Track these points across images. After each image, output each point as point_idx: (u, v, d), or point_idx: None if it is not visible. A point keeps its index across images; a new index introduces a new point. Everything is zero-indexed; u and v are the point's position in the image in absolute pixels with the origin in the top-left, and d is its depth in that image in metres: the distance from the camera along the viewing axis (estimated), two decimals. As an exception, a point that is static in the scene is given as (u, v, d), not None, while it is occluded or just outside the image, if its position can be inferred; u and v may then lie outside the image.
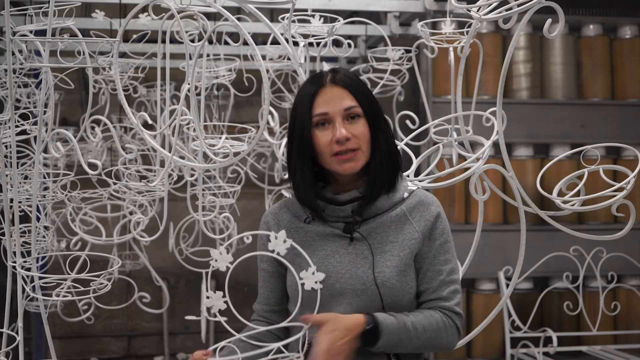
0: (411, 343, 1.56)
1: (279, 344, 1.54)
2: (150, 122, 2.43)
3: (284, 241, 1.55)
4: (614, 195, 1.74)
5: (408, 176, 1.94)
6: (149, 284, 4.19)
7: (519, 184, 1.86)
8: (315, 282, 1.58)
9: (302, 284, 1.58)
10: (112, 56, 1.80)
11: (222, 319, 1.54)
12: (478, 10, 1.74)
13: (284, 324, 1.60)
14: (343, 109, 1.61)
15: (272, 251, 1.55)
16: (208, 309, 1.46)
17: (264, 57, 2.99)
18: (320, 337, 1.50)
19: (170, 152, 1.93)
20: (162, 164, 2.77)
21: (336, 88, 1.63)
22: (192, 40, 2.64)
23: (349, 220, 1.64)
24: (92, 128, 2.79)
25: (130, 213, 2.92)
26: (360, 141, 1.61)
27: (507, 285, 4.02)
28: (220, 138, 2.30)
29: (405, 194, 1.68)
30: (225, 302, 1.52)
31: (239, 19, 1.93)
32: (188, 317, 3.37)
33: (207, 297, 1.52)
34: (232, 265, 1.52)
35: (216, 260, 1.51)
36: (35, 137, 1.93)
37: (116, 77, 1.83)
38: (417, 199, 1.68)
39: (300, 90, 1.69)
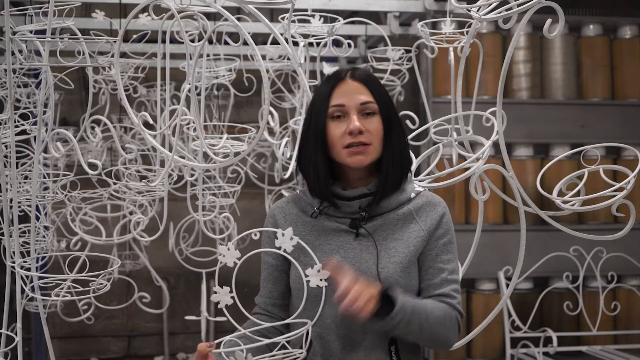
0: (420, 324, 1.55)
1: (283, 338, 1.55)
2: (150, 122, 2.42)
3: (291, 238, 1.57)
4: (614, 195, 1.74)
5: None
6: (149, 284, 4.18)
7: (519, 184, 1.86)
8: (321, 280, 1.59)
9: (308, 281, 1.60)
10: (112, 56, 1.80)
11: (228, 316, 1.55)
12: (478, 10, 1.74)
13: (289, 320, 1.61)
14: (359, 102, 1.64)
15: (278, 248, 1.57)
16: (212, 304, 1.47)
17: (264, 57, 2.99)
18: (347, 279, 1.49)
19: (170, 152, 1.93)
20: (162, 164, 2.77)
21: (355, 82, 1.66)
22: (192, 40, 2.64)
23: (355, 216, 1.66)
24: (92, 128, 2.79)
25: (130, 213, 2.92)
26: (373, 137, 1.63)
27: (507, 285, 4.02)
28: (220, 138, 2.30)
29: (413, 194, 1.69)
30: (232, 297, 1.53)
31: (238, 19, 1.93)
32: (188, 317, 3.37)
33: (215, 292, 1.54)
34: (239, 260, 1.54)
35: (223, 256, 1.53)
36: (35, 137, 1.93)
37: (117, 77, 1.83)
38: (424, 199, 1.69)
39: (320, 84, 1.73)
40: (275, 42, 2.57)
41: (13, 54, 1.77)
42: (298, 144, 1.75)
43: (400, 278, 1.62)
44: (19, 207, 1.92)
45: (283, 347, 1.58)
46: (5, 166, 1.77)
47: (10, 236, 1.75)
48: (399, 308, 1.52)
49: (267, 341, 1.57)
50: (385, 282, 1.60)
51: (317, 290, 1.62)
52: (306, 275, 1.60)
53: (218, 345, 1.55)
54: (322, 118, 1.65)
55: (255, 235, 1.61)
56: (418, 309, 1.55)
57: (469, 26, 2.14)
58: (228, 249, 1.54)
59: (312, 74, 2.98)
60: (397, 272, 1.61)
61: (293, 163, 2.54)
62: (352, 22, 3.15)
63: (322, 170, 1.65)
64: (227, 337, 1.58)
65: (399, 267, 1.62)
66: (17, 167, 1.89)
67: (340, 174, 1.69)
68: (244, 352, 1.51)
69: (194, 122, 1.93)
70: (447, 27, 2.40)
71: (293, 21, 2.45)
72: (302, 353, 1.58)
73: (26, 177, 2.20)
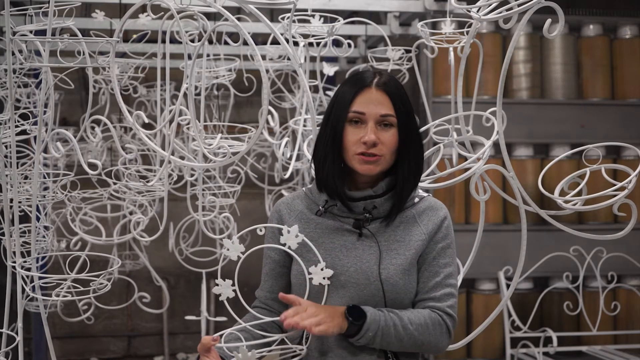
0: (397, 334, 1.58)
1: (283, 335, 1.56)
2: (147, 121, 2.42)
3: (296, 236, 1.58)
4: (615, 195, 1.74)
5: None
6: (149, 284, 4.19)
7: (520, 184, 1.86)
8: (324, 278, 1.60)
9: (310, 279, 1.61)
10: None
11: (229, 310, 1.55)
12: (478, 11, 1.74)
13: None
14: (379, 114, 1.66)
15: (283, 244, 1.58)
16: (212, 304, 1.48)
17: (264, 57, 2.99)
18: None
19: (169, 152, 1.93)
20: (162, 164, 2.77)
21: (380, 92, 1.67)
22: (192, 40, 2.64)
23: (359, 217, 1.67)
24: (92, 128, 2.79)
25: (130, 213, 2.92)
26: (385, 149, 1.66)
27: (507, 286, 4.02)
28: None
29: (416, 199, 1.73)
30: (234, 290, 1.54)
31: (239, 19, 1.93)
32: (188, 317, 3.37)
33: (217, 285, 1.55)
34: (243, 255, 1.55)
35: (228, 250, 1.54)
36: (35, 137, 1.93)
37: (113, 76, 1.83)
38: (427, 204, 1.73)
39: (344, 83, 1.73)
40: (275, 42, 2.57)
41: (13, 54, 1.77)
42: (315, 138, 1.76)
43: (400, 279, 1.64)
44: (19, 207, 1.92)
45: (282, 342, 1.58)
46: (5, 166, 1.77)
47: (11, 236, 1.75)
48: (369, 323, 1.55)
49: (269, 337, 1.57)
50: (386, 282, 1.62)
51: (318, 286, 1.63)
52: (309, 273, 1.61)
53: (221, 338, 1.56)
54: (341, 121, 1.66)
55: (261, 230, 1.62)
56: (393, 322, 1.58)
57: (469, 26, 2.14)
58: (232, 243, 1.55)
59: (312, 74, 2.98)
60: (397, 273, 1.63)
61: (293, 162, 2.54)
62: (352, 22, 3.15)
63: (336, 171, 1.67)
64: (228, 330, 1.59)
65: (400, 268, 1.64)
66: (17, 167, 1.89)
67: (348, 175, 1.71)
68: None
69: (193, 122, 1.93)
70: (447, 27, 2.40)
71: (293, 21, 2.45)
72: (302, 350, 1.59)
73: (26, 177, 2.19)
